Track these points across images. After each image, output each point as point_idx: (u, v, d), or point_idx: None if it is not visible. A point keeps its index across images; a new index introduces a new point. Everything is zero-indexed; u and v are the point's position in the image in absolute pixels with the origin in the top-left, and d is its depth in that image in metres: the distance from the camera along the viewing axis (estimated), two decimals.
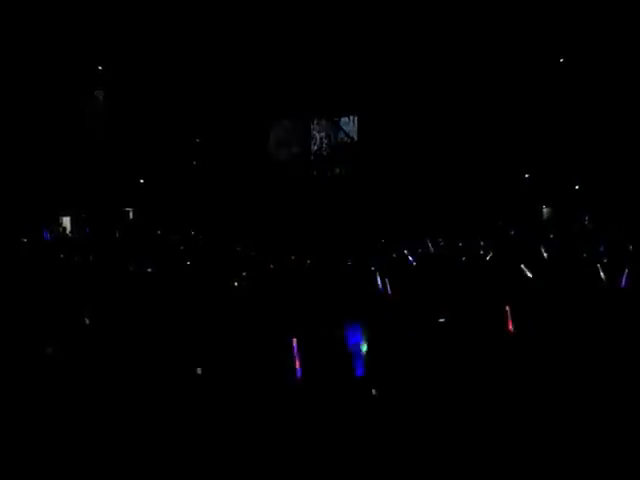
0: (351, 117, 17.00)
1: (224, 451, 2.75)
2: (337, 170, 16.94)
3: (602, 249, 6.55)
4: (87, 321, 4.86)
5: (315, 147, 17.51)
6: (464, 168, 15.12)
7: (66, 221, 13.56)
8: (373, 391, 3.07)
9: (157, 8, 14.68)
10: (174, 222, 15.35)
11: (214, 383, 3.41)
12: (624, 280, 5.23)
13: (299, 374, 3.17)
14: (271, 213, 16.04)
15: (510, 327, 3.92)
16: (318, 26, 15.25)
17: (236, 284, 6.84)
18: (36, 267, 7.30)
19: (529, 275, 5.95)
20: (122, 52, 15.14)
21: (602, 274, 5.46)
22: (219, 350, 3.98)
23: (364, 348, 3.25)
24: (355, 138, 16.92)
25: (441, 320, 4.61)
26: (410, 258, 8.06)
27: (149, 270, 7.22)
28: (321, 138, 17.40)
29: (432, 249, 9.72)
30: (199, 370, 3.46)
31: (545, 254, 7.03)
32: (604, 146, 13.46)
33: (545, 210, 15.36)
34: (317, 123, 17.53)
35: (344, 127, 17.09)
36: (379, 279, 6.29)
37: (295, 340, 3.20)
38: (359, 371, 3.16)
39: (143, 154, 16.33)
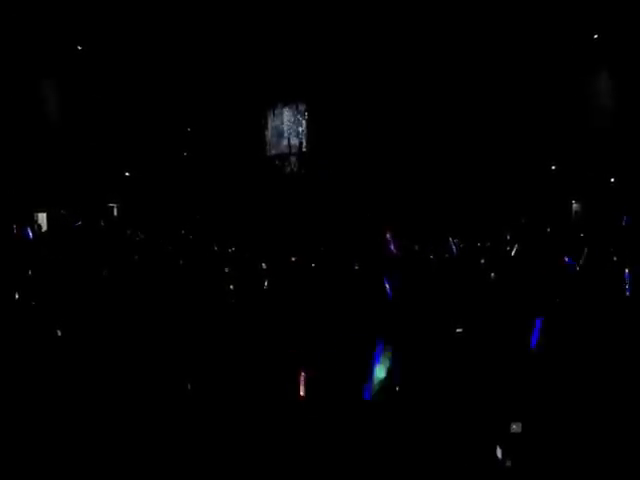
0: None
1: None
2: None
3: None
4: (59, 333, 4.83)
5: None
6: (481, 159, 14.99)
7: (42, 218, 13.48)
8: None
9: None
10: (162, 219, 15.32)
11: (204, 401, 3.41)
12: None
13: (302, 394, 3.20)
14: (268, 210, 15.99)
15: (537, 342, 3.82)
16: (313, 16, 15.23)
17: (231, 287, 6.80)
18: (9, 271, 7.26)
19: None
20: (106, 34, 15.13)
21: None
22: (210, 368, 3.95)
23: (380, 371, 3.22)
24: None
25: (458, 331, 4.52)
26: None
27: (131, 276, 7.16)
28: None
29: (455, 249, 9.65)
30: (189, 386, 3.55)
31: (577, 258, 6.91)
32: None
33: (575, 206, 15.18)
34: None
35: None
36: (389, 286, 6.22)
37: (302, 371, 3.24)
38: (366, 394, 3.14)
39: (129, 144, 16.31)
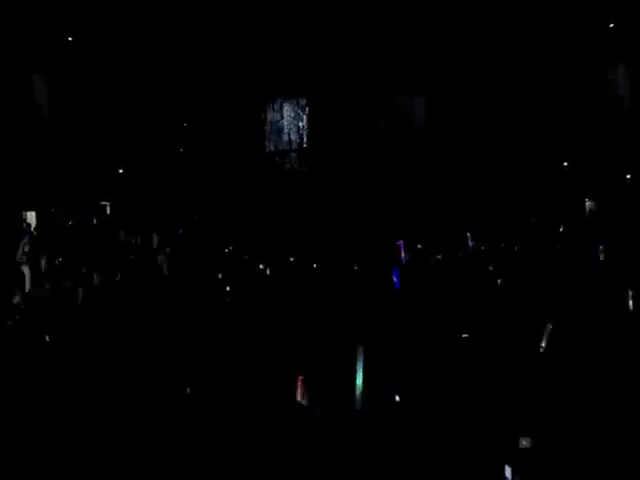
0: None
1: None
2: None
3: None
4: (47, 338, 4.81)
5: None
6: (490, 155, 14.91)
7: (31, 217, 13.45)
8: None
9: None
10: (158, 219, 15.30)
11: (203, 404, 3.43)
12: None
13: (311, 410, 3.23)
14: (267, 208, 15.96)
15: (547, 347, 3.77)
16: (313, 8, 15.20)
17: (228, 288, 6.81)
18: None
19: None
20: (98, 27, 15.10)
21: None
22: (208, 371, 3.95)
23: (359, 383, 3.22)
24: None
25: (464, 335, 4.50)
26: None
27: (124, 278, 7.14)
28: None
29: (471, 246, 9.64)
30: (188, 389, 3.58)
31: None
32: None
33: (588, 204, 15.08)
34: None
35: None
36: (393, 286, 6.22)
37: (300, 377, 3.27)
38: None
39: (123, 140, 16.28)
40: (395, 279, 6.86)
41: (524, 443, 2.47)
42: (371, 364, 3.52)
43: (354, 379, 3.35)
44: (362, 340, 3.70)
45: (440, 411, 3.18)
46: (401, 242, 9.39)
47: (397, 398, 3.32)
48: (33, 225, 11.87)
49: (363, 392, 3.29)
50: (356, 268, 7.83)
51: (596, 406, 2.88)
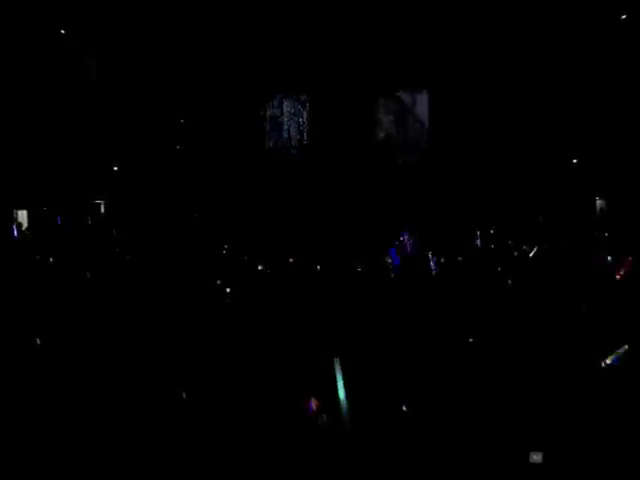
0: None
1: None
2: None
3: None
4: (38, 341, 4.79)
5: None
6: (495, 151, 14.88)
7: (22, 216, 13.47)
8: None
9: None
10: (154, 218, 15.31)
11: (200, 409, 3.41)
12: None
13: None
14: (267, 207, 15.97)
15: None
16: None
17: (227, 290, 6.80)
18: None
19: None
20: (94, 19, 15.09)
21: None
22: (205, 375, 3.93)
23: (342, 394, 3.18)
24: None
25: (470, 340, 4.46)
26: (432, 264, 7.93)
27: (119, 280, 7.13)
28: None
29: (479, 246, 9.61)
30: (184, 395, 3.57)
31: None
32: None
33: (599, 202, 15.06)
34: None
35: None
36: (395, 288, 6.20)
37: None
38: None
39: (118, 136, 16.28)
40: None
41: (535, 458, 2.43)
42: (368, 367, 3.50)
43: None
44: (340, 349, 3.68)
45: (444, 421, 3.14)
46: (406, 236, 9.37)
47: (404, 408, 3.28)
48: (25, 224, 11.89)
49: (350, 404, 3.24)
50: (359, 269, 7.82)
51: (613, 420, 2.82)
